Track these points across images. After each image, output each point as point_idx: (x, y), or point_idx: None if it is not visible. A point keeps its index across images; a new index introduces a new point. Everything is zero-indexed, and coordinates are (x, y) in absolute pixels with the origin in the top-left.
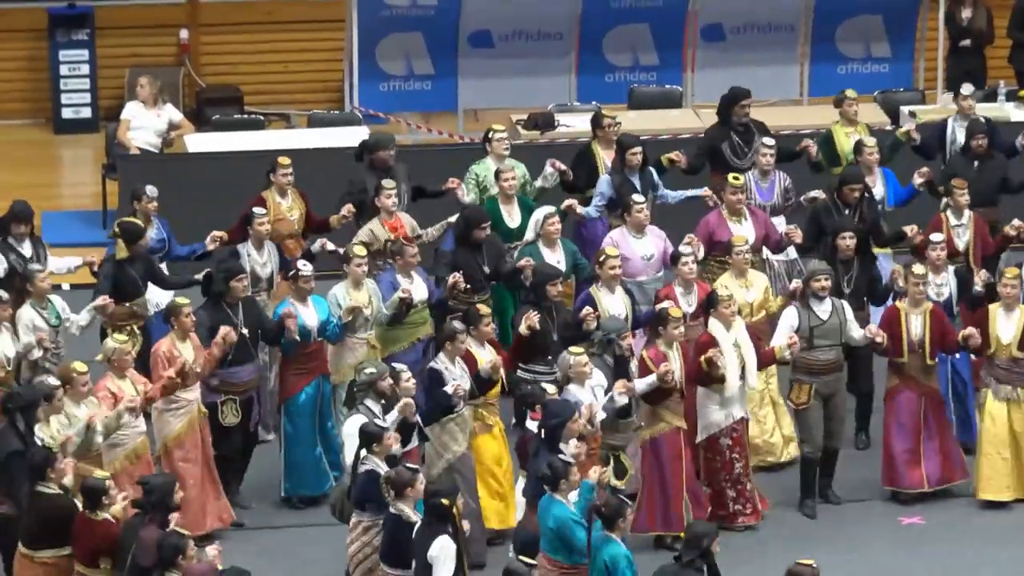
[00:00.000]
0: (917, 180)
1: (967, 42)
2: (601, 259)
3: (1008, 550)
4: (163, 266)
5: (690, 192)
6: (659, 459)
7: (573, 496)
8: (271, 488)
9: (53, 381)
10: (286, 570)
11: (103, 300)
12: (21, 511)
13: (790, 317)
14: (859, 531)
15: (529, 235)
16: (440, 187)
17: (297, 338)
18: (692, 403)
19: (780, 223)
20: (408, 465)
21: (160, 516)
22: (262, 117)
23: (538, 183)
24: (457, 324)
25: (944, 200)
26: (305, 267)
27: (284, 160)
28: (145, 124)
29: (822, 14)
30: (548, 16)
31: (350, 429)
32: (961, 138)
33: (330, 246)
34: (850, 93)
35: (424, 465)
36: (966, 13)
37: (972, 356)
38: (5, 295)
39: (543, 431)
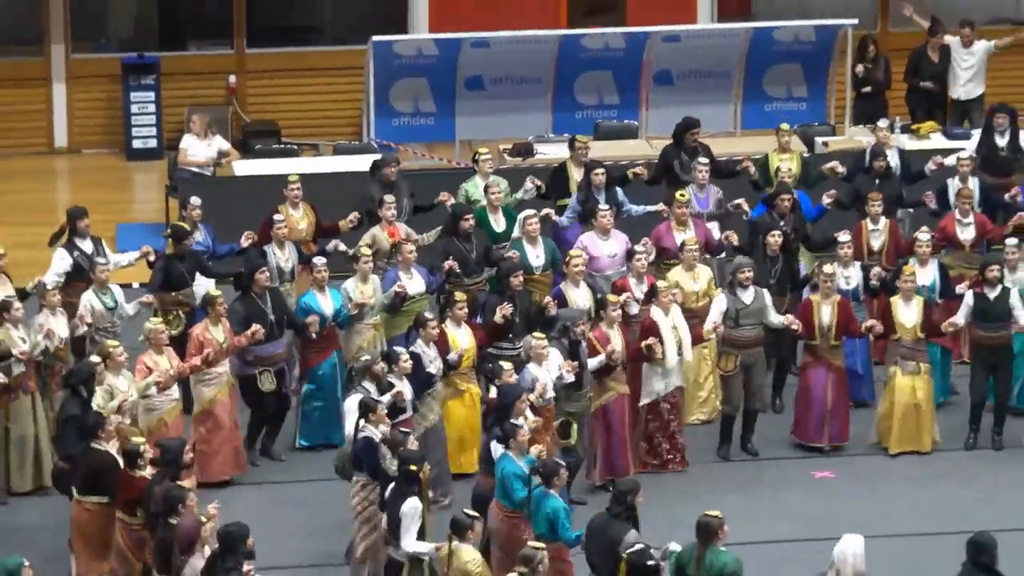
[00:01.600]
0: (826, 200)
1: (868, 88)
2: (568, 260)
3: (907, 494)
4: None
5: (650, 207)
6: (609, 421)
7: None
8: (287, 447)
9: (95, 358)
10: (300, 517)
11: (148, 298)
12: (74, 466)
13: (720, 302)
14: (776, 481)
15: (516, 233)
16: (435, 201)
17: (314, 335)
18: (635, 373)
19: (714, 227)
20: (403, 429)
21: (172, 471)
22: (296, 147)
23: (518, 195)
24: (427, 314)
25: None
26: (319, 260)
27: (292, 177)
28: (198, 152)
29: (752, 63)
30: (529, 64)
31: (350, 405)
32: (893, 162)
33: (342, 247)
34: (784, 126)
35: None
36: (868, 66)
37: (873, 339)
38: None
39: (495, 409)
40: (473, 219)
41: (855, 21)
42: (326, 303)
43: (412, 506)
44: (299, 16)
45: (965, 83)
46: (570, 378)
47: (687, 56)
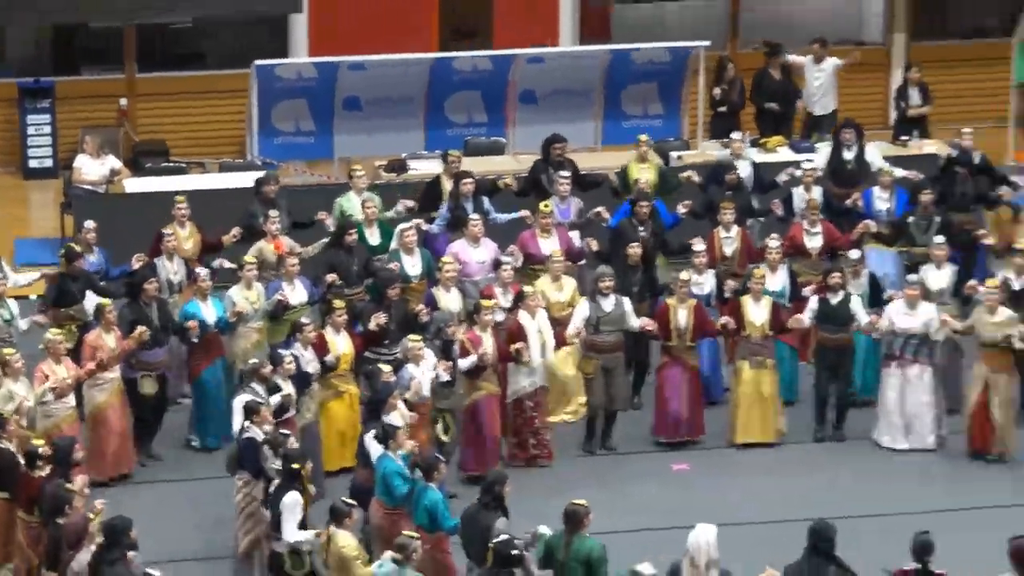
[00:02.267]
0: (681, 209)
1: (724, 108)
2: (440, 266)
3: (758, 485)
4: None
5: (514, 215)
6: (478, 418)
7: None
8: (177, 447)
9: None
10: (188, 513)
11: (40, 318)
12: None
13: (583, 309)
14: (636, 474)
15: (393, 245)
16: (313, 218)
17: (195, 340)
18: (504, 374)
19: (575, 236)
20: (283, 431)
21: (63, 469)
22: (184, 165)
23: (389, 214)
24: (304, 319)
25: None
26: (202, 271)
27: (180, 197)
28: (92, 171)
29: (611, 83)
30: (403, 85)
31: (237, 405)
32: (743, 173)
33: (227, 264)
34: (643, 138)
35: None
36: (725, 87)
37: (723, 341)
38: None
39: (371, 405)
40: (356, 233)
41: (707, 43)
42: (208, 311)
43: (293, 499)
44: (186, 42)
45: (818, 98)
46: (445, 377)
47: (550, 77)
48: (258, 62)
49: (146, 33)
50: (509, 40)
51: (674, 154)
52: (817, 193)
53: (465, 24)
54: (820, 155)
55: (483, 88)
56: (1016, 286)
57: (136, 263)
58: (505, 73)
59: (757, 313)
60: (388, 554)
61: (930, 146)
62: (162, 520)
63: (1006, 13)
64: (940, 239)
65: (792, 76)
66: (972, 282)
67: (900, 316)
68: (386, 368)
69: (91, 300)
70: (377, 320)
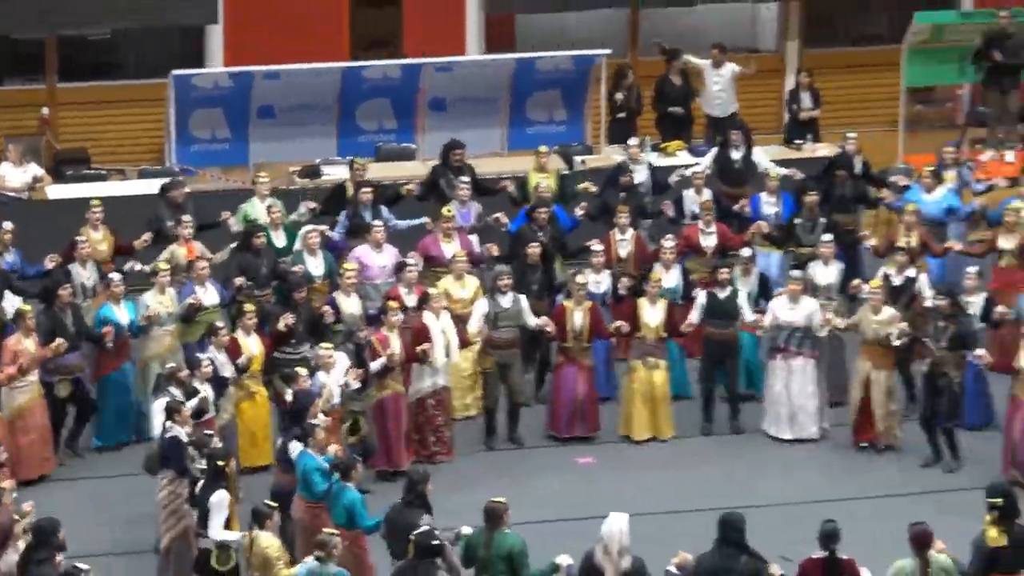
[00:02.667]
0: (579, 212)
1: (623, 114)
2: (341, 271)
3: (656, 477)
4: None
5: (413, 221)
6: (384, 416)
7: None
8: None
9: None
10: (108, 510)
11: None
12: None
13: (481, 306)
14: (541, 468)
15: (297, 246)
16: (217, 219)
17: (110, 345)
18: (408, 374)
19: (474, 240)
20: (207, 432)
21: None
22: (104, 172)
23: (293, 217)
24: (219, 323)
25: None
26: (115, 276)
27: (95, 201)
28: (14, 179)
29: (517, 90)
30: (316, 93)
31: (157, 407)
32: (639, 177)
33: (138, 266)
34: (543, 148)
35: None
36: (624, 93)
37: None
38: None
39: (291, 413)
40: (264, 237)
41: (609, 51)
42: (122, 315)
43: (220, 497)
44: (106, 53)
45: (718, 102)
46: (356, 385)
47: (458, 84)
48: (175, 72)
49: (67, 44)
50: (418, 49)
51: (578, 159)
52: (708, 195)
53: (375, 34)
54: (707, 156)
55: (393, 96)
56: (896, 282)
57: (49, 263)
58: (414, 81)
59: (652, 315)
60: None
61: (823, 149)
62: (82, 517)
63: (895, 21)
64: (828, 237)
65: (692, 81)
66: (856, 281)
67: (783, 310)
68: (303, 372)
69: (9, 300)
70: (285, 321)
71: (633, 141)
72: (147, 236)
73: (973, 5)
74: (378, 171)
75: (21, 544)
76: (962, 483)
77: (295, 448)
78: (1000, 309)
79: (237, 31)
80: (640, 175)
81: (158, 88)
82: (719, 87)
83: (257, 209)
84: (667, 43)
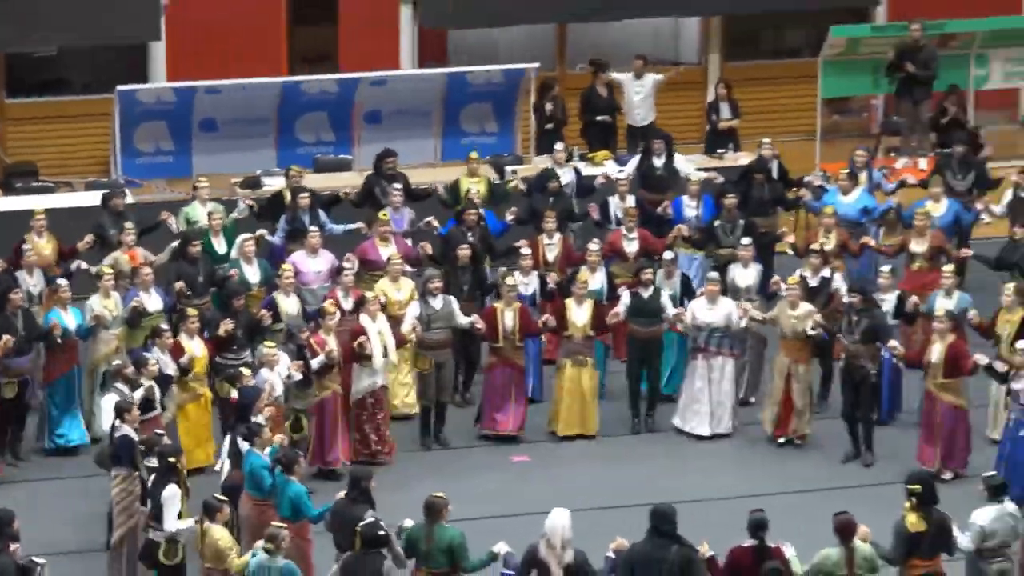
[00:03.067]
0: (508, 217)
1: (550, 126)
2: (279, 272)
3: (587, 473)
4: None
5: (350, 226)
6: (323, 415)
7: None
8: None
9: None
10: (59, 510)
11: None
12: None
13: (413, 308)
14: (472, 466)
15: (234, 254)
16: (157, 220)
17: (60, 342)
18: (348, 375)
19: (408, 243)
20: (157, 431)
21: None
22: (53, 184)
23: (233, 215)
24: (162, 325)
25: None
26: (62, 282)
27: (38, 211)
28: None
29: (449, 103)
30: (256, 107)
31: (107, 405)
32: (564, 179)
33: (84, 265)
34: (473, 155)
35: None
36: (550, 104)
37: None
38: None
39: (238, 409)
40: (200, 245)
41: (537, 65)
42: (69, 319)
43: (172, 492)
44: (52, 69)
45: (639, 112)
46: (298, 376)
47: (393, 98)
48: (120, 87)
49: (14, 61)
50: (353, 64)
51: (509, 168)
52: (631, 201)
53: (312, 50)
54: (631, 163)
55: (330, 109)
56: (812, 283)
57: None
58: (350, 95)
59: (579, 315)
60: (259, 543)
61: (744, 158)
62: (33, 517)
63: (812, 34)
64: (746, 240)
65: (615, 93)
66: (775, 278)
67: (702, 311)
68: (246, 372)
69: None
70: (225, 327)
71: (559, 146)
72: (89, 238)
73: (886, 19)
74: (316, 182)
75: None
76: (882, 477)
77: (243, 446)
78: (913, 299)
79: (179, 48)
80: (565, 179)
81: (104, 103)
82: (640, 96)
83: (198, 212)
84: (597, 56)
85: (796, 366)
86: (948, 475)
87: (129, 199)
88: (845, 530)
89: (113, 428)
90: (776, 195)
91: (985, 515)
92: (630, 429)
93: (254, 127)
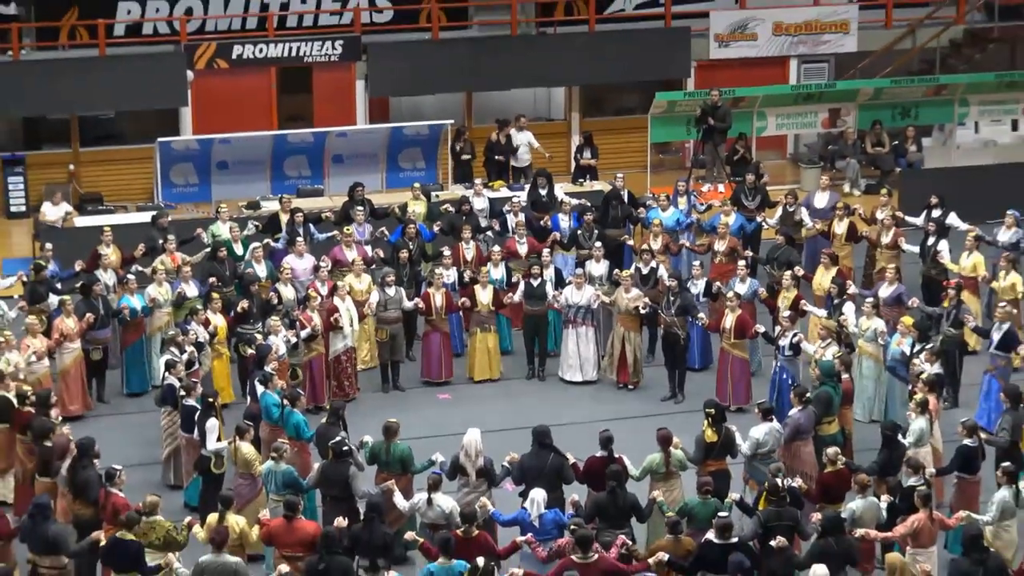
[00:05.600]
0: (435, 228)
1: (467, 156)
2: (280, 270)
3: (493, 405)
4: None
5: (329, 234)
6: (312, 369)
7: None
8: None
9: None
10: (132, 435)
11: (23, 304)
12: None
13: (374, 296)
14: (416, 403)
15: (248, 257)
16: (192, 235)
17: (129, 319)
18: (327, 340)
19: (367, 248)
20: (193, 379)
21: (44, 409)
22: (113, 208)
23: (246, 232)
24: (197, 306)
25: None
26: (131, 277)
27: (106, 228)
28: (52, 213)
29: (391, 148)
30: (255, 152)
31: (161, 363)
32: (480, 204)
33: (140, 268)
34: (416, 185)
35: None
36: (460, 145)
37: (461, 312)
38: None
39: (255, 360)
40: (226, 250)
41: (452, 121)
42: (135, 303)
43: (212, 423)
44: (111, 126)
45: (521, 155)
46: (293, 340)
47: (351, 145)
48: (160, 139)
49: (84, 120)
50: (324, 121)
51: (434, 193)
52: (522, 217)
53: (294, 112)
54: (523, 193)
55: (308, 153)
56: (644, 272)
57: (77, 267)
58: (322, 143)
59: (484, 296)
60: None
61: (599, 185)
62: (113, 440)
63: (643, 97)
64: (598, 244)
65: (507, 140)
66: (617, 271)
67: (572, 294)
68: (260, 337)
69: (53, 298)
70: (242, 304)
71: (478, 181)
72: (141, 247)
73: (694, 87)
74: (299, 204)
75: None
76: (690, 407)
77: (259, 388)
78: (717, 284)
79: (201, 110)
80: (480, 204)
81: (148, 150)
82: (522, 145)
83: (221, 229)
84: (499, 118)
85: (629, 333)
86: (734, 406)
87: (169, 218)
88: (664, 441)
89: (163, 379)
90: (625, 214)
91: (759, 431)
92: (525, 376)
93: (254, 166)
